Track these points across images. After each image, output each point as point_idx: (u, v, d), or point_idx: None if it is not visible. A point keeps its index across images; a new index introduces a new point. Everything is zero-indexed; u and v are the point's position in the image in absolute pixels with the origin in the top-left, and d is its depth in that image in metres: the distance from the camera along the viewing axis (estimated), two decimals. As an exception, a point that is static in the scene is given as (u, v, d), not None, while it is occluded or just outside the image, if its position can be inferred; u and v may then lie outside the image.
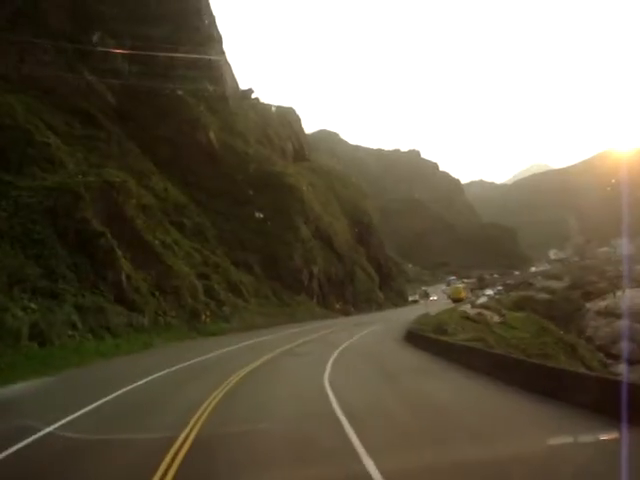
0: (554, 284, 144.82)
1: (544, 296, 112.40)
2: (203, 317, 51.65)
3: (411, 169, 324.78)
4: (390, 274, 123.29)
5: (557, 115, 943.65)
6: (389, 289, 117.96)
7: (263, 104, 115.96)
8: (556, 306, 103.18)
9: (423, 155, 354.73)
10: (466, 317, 66.11)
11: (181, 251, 62.28)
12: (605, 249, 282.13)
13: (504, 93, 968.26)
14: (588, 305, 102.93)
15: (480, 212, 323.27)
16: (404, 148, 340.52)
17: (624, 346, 73.08)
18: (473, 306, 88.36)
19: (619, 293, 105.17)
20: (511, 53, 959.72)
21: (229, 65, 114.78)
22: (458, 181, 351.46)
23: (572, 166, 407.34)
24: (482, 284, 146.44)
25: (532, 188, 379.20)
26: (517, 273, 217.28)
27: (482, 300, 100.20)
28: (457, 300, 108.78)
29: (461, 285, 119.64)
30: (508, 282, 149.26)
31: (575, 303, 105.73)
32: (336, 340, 40.55)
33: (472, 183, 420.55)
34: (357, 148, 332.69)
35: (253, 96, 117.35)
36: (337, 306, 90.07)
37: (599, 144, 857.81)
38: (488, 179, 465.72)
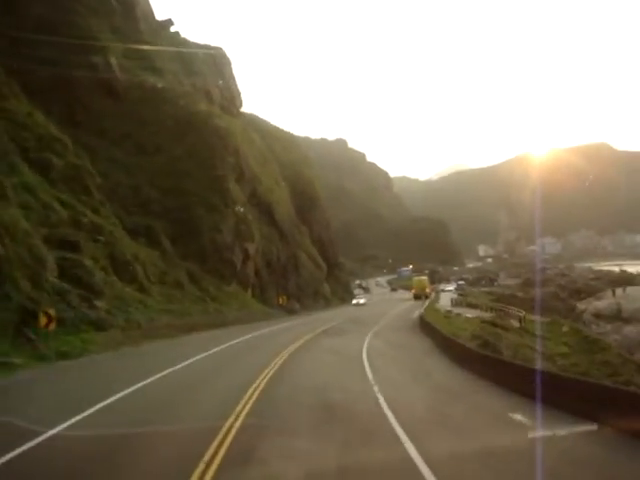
0: (510, 281, 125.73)
1: (526, 295, 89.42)
2: (43, 320, 24.04)
3: (339, 158, 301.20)
4: (337, 262, 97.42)
5: (475, 119, 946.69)
6: (336, 281, 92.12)
7: (185, 40, 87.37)
8: (546, 306, 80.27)
9: (350, 145, 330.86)
10: (489, 323, 42.91)
11: (35, 201, 34.56)
12: (533, 247, 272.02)
13: (425, 93, 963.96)
14: (581, 306, 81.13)
15: (408, 207, 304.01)
16: (331, 137, 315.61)
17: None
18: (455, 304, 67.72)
19: (620, 292, 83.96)
20: (437, 58, 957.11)
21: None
22: (386, 173, 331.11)
23: (493, 166, 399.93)
24: (434, 278, 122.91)
25: (457, 185, 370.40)
26: (456, 268, 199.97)
27: (449, 297, 78.88)
28: (420, 296, 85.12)
29: (425, 278, 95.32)
30: (465, 277, 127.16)
31: (566, 303, 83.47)
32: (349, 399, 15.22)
33: (397, 178, 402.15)
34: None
35: (173, 29, 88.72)
36: (279, 301, 63.47)
37: (516, 147, 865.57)
38: (411, 175, 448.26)
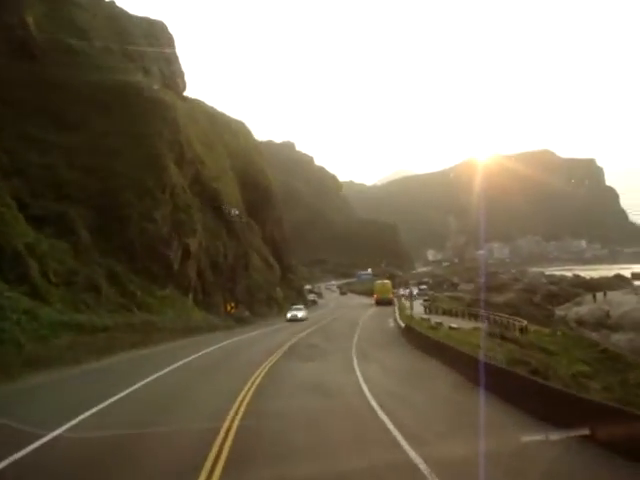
0: (465, 286, 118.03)
1: (499, 299, 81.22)
2: None
3: (287, 161, 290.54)
4: (290, 264, 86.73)
5: (419, 124, 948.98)
6: (289, 285, 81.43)
7: (121, 10, 75.19)
8: (523, 312, 71.84)
9: (298, 147, 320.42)
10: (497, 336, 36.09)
11: None
12: (482, 252, 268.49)
13: (369, 98, 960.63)
14: (559, 312, 73.14)
15: (357, 211, 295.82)
16: (278, 139, 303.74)
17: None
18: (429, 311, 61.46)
19: (600, 297, 76.43)
20: (380, 66, 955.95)
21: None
22: (335, 176, 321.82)
23: (439, 172, 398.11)
24: (394, 283, 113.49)
25: (404, 190, 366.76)
26: (400, 274, 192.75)
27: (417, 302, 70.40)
28: (383, 302, 75.90)
29: (388, 282, 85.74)
30: (425, 281, 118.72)
31: (543, 309, 75.39)
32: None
33: (344, 183, 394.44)
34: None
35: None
36: (227, 308, 52.46)
37: (461, 153, 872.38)
38: (357, 180, 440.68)
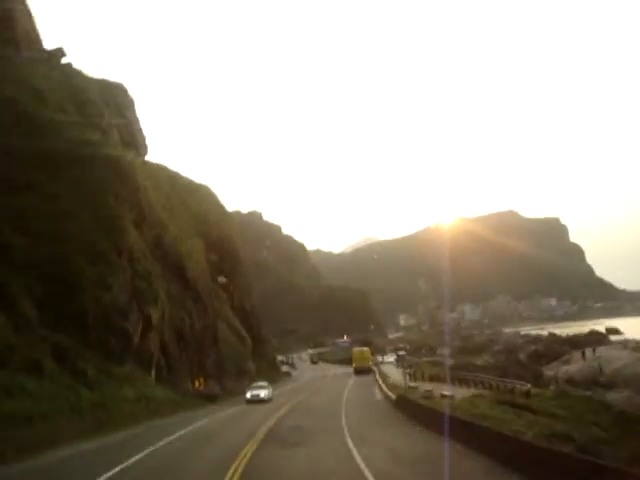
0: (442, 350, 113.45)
1: (488, 359, 76.99)
2: None
3: (254, 230, 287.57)
4: (261, 334, 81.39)
5: (382, 192, 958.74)
6: (261, 357, 75.96)
7: (79, 72, 71.91)
8: (510, 373, 67.41)
9: (265, 217, 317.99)
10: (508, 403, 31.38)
11: None
12: (454, 314, 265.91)
13: (331, 168, 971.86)
14: (548, 372, 68.85)
15: (326, 278, 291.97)
16: (245, 209, 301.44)
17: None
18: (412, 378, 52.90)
19: (590, 354, 72.50)
20: (338, 138, 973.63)
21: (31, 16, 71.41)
22: (303, 245, 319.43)
23: (406, 237, 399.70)
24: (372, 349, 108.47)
25: (371, 257, 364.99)
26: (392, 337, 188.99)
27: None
28: (362, 370, 71.14)
29: (367, 349, 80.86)
30: (402, 346, 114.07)
31: (530, 368, 70.88)
32: None
33: (311, 251, 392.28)
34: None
35: (64, 60, 73.32)
36: (196, 384, 47.05)
37: (426, 218, 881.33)
38: (325, 248, 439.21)
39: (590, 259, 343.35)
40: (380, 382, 51.03)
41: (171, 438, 24.08)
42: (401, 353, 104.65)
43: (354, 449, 18.81)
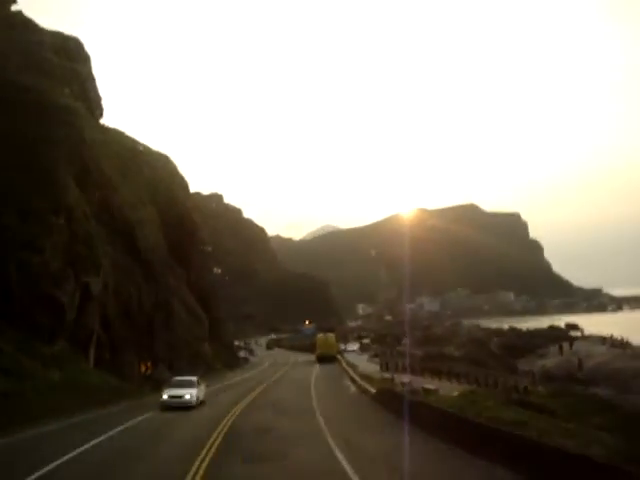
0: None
1: (453, 350, 72.47)
2: None
3: (214, 213, 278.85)
4: (219, 317, 75.13)
5: (342, 180, 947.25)
6: (218, 342, 69.78)
7: (29, 21, 63.93)
8: (484, 366, 62.87)
9: (227, 200, 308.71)
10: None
11: None
12: (412, 305, 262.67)
13: (291, 155, 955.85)
14: (523, 366, 64.50)
15: (286, 265, 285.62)
16: (206, 191, 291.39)
17: None
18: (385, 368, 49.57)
19: (567, 348, 68.55)
20: (302, 123, 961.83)
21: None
22: (263, 229, 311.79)
23: (367, 226, 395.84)
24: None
25: (332, 245, 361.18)
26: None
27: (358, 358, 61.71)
28: (326, 358, 65.85)
29: (332, 335, 75.32)
30: (364, 334, 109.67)
31: (503, 362, 66.48)
32: None
33: (271, 237, 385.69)
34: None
35: (15, 8, 65.08)
36: (142, 369, 40.84)
37: (387, 208, 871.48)
38: (285, 235, 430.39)
39: (548, 256, 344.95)
40: (351, 372, 45.69)
41: (99, 439, 18.08)
42: (365, 341, 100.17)
43: (346, 464, 13.28)
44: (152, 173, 65.07)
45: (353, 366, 52.70)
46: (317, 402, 28.90)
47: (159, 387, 38.16)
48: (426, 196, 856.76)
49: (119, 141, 64.26)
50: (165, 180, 68.41)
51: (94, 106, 67.27)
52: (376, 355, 70.35)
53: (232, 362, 71.05)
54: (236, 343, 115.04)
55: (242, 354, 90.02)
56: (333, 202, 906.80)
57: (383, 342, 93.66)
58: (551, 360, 64.44)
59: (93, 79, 69.23)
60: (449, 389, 32.27)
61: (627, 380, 48.42)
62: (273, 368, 66.03)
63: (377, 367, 53.63)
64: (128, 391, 33.80)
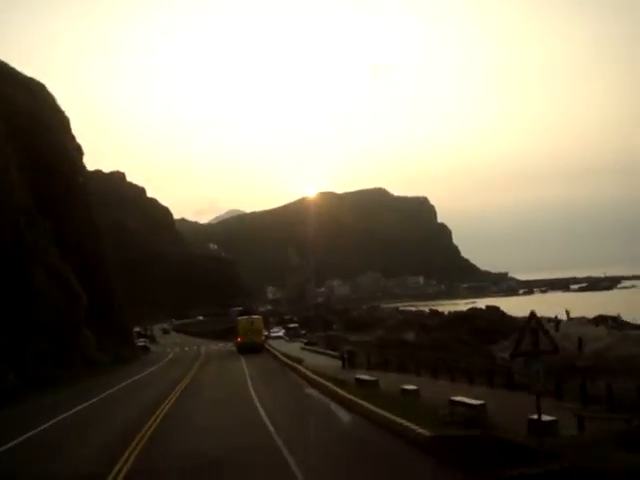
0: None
1: (413, 338, 58.06)
2: None
3: (115, 192, 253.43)
4: (112, 296, 56.72)
5: (249, 164, 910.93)
6: (109, 328, 51.53)
7: None
8: (456, 353, 48.61)
9: (129, 178, 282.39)
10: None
11: None
12: (323, 289, 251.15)
13: (196, 138, 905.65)
14: (501, 353, 50.93)
15: (193, 248, 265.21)
16: (107, 169, 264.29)
17: None
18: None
19: (552, 331, 55.43)
20: (211, 102, 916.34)
21: None
22: (168, 209, 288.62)
23: (274, 209, 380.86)
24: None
25: (239, 229, 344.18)
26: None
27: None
28: (251, 348, 49.75)
29: (259, 317, 59.16)
30: (288, 317, 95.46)
31: (477, 348, 52.77)
32: None
33: (176, 220, 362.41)
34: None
35: None
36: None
37: (294, 192, 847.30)
38: (190, 218, 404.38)
39: (456, 240, 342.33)
40: (302, 369, 29.74)
41: None
42: (292, 325, 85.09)
43: None
44: (17, 98, 45.94)
45: (296, 359, 36.67)
46: (279, 434, 12.58)
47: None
48: (335, 179, 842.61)
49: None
50: (35, 112, 49.37)
51: None
52: (311, 343, 55.40)
53: (126, 354, 53.26)
54: (137, 329, 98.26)
55: (140, 342, 72.58)
56: (239, 187, 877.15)
57: (312, 327, 78.70)
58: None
59: None
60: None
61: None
62: (181, 363, 48.82)
63: (329, 360, 38.45)
64: None
